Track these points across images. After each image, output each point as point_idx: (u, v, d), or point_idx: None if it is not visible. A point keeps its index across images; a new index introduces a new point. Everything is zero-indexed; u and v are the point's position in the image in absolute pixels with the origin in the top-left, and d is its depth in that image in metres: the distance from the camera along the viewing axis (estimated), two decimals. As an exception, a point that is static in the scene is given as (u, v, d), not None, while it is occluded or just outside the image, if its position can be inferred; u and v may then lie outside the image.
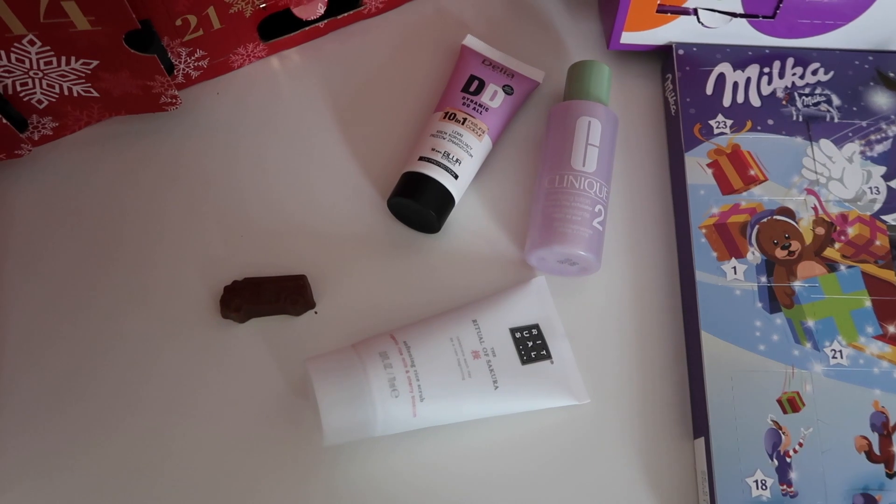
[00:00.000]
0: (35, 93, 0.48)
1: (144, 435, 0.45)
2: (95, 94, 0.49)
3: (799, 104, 0.51)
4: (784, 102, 0.51)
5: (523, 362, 0.44)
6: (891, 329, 0.45)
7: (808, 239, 0.47)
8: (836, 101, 0.51)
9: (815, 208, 0.48)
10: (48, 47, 0.44)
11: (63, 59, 0.45)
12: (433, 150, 0.48)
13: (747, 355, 0.44)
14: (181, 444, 0.44)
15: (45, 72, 0.46)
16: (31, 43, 0.43)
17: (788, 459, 0.42)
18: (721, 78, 0.51)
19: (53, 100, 0.49)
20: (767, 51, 0.52)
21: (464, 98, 0.50)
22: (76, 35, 0.43)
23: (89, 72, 0.47)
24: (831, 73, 0.52)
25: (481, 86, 0.51)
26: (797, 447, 0.42)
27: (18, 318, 0.47)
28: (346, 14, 0.55)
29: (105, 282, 0.48)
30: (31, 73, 0.46)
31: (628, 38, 0.52)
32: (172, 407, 0.45)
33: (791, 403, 0.43)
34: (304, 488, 0.44)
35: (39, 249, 0.49)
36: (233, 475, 0.44)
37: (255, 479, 0.44)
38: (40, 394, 0.45)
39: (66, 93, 0.48)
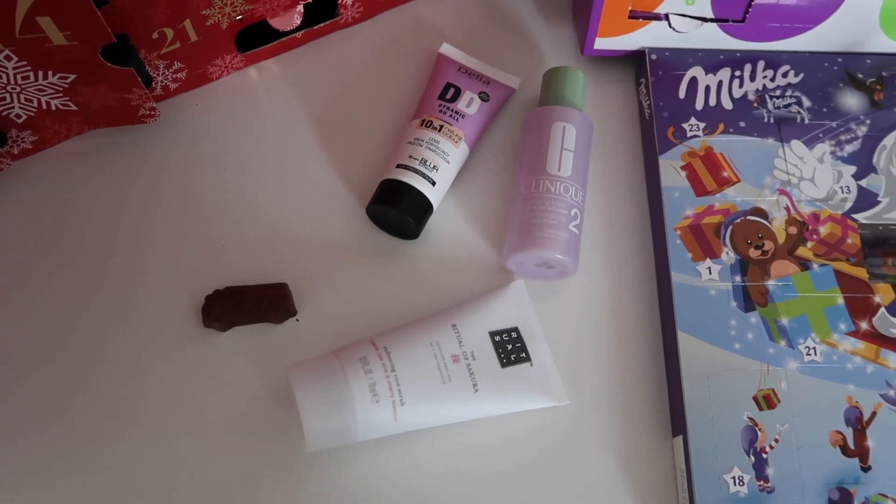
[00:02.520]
0: (13, 107, 0.48)
1: (129, 447, 0.45)
2: (74, 108, 0.49)
3: (770, 106, 0.51)
4: (755, 105, 0.52)
5: (503, 365, 0.45)
6: (863, 325, 0.46)
7: (781, 238, 0.48)
8: (806, 102, 0.52)
9: (787, 208, 0.49)
10: (25, 62, 0.44)
11: (40, 73, 0.46)
12: (411, 157, 0.49)
13: (723, 354, 0.45)
14: (166, 454, 0.45)
15: (22, 86, 0.46)
16: (8, 58, 0.44)
17: (765, 456, 0.43)
18: (693, 81, 0.52)
19: (32, 114, 0.49)
20: (738, 54, 0.53)
21: (440, 105, 0.51)
22: (53, 50, 0.44)
23: (67, 86, 0.47)
24: (801, 76, 0.52)
25: (457, 93, 0.52)
26: (773, 443, 0.43)
27: (1, 336, 0.47)
28: (322, 24, 0.55)
29: (87, 294, 0.48)
30: (8, 87, 0.46)
31: (602, 43, 0.53)
32: (155, 418, 0.45)
33: (766, 400, 0.44)
34: (292, 494, 0.44)
35: (20, 263, 0.49)
36: (219, 484, 0.44)
37: (242, 486, 0.44)
38: (23, 411, 0.46)
39: (44, 107, 0.49)
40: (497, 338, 0.46)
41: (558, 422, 0.46)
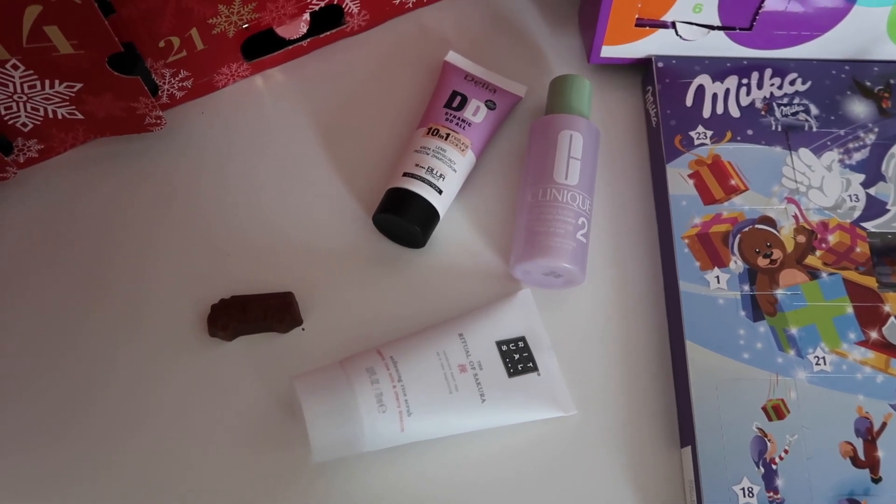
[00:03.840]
0: (20, 116, 0.48)
1: (134, 456, 0.45)
2: (80, 117, 0.49)
3: (777, 114, 0.51)
4: (763, 113, 0.51)
5: (510, 375, 0.45)
6: (873, 335, 0.45)
7: (790, 247, 0.48)
8: (814, 110, 0.51)
9: (795, 217, 0.48)
10: (31, 71, 0.44)
11: (47, 82, 0.46)
12: (417, 165, 0.49)
13: (732, 364, 0.45)
14: (171, 464, 0.44)
15: (29, 95, 0.46)
16: (15, 67, 0.44)
17: (774, 466, 0.42)
18: (700, 89, 0.52)
19: (38, 122, 0.49)
20: (745, 62, 0.53)
21: (446, 114, 0.51)
22: (59, 59, 0.44)
23: (73, 94, 0.47)
24: (809, 83, 0.52)
25: (464, 101, 0.51)
26: (783, 454, 0.43)
27: (6, 344, 0.47)
28: (328, 32, 0.55)
29: (92, 303, 0.48)
30: (15, 96, 0.46)
31: (608, 51, 0.53)
32: (161, 428, 0.45)
33: (776, 411, 0.44)
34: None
35: (26, 271, 0.49)
36: (225, 494, 0.44)
37: (248, 496, 0.44)
38: (28, 420, 0.45)
39: (50, 115, 0.49)
40: (504, 347, 0.45)
41: (565, 431, 0.46)
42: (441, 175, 0.49)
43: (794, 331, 0.45)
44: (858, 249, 0.48)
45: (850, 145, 0.50)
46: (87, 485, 0.44)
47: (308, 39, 0.55)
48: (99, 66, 0.45)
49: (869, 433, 0.43)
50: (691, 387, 0.44)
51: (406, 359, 0.43)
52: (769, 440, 0.43)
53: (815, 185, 0.49)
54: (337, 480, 0.44)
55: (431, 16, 0.58)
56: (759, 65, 0.53)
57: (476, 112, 0.51)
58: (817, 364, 0.45)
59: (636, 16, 0.50)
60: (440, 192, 0.48)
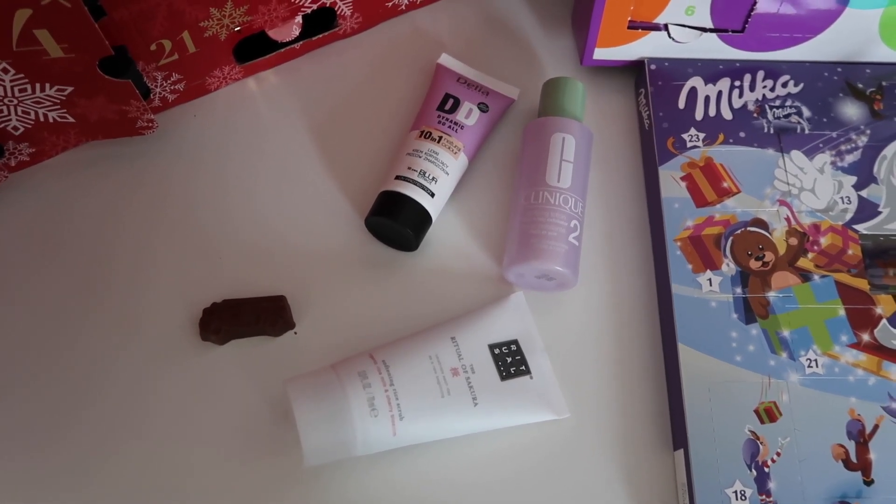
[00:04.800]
0: (10, 119, 0.48)
1: (126, 461, 0.44)
2: (71, 120, 0.49)
3: (770, 116, 0.51)
4: (755, 115, 0.51)
5: (503, 378, 0.45)
6: (865, 337, 0.45)
7: (782, 249, 0.48)
8: (806, 112, 0.51)
9: (787, 219, 0.48)
10: (22, 75, 0.44)
11: (38, 86, 0.45)
12: (409, 168, 0.49)
13: (724, 366, 0.45)
14: (163, 468, 0.44)
15: (20, 99, 0.46)
16: (5, 71, 0.43)
17: (767, 469, 0.42)
18: (693, 92, 0.52)
19: (29, 126, 0.49)
20: (738, 64, 0.53)
21: (439, 116, 0.51)
22: (50, 62, 0.44)
23: (64, 98, 0.47)
24: (801, 86, 0.52)
25: (456, 104, 0.51)
26: (775, 457, 0.43)
27: (-3, 346, 0.47)
28: (321, 35, 0.55)
29: (85, 307, 0.48)
30: (5, 100, 0.46)
31: (601, 53, 0.53)
32: (153, 432, 0.45)
33: (768, 413, 0.44)
34: (287, 510, 0.44)
35: (18, 276, 0.49)
36: (217, 498, 0.44)
37: (241, 501, 0.44)
38: (23, 420, 0.45)
39: (42, 119, 0.48)
40: (496, 350, 0.45)
41: (558, 435, 0.46)
42: (433, 178, 0.48)
43: (786, 333, 0.45)
44: (850, 252, 0.48)
45: (843, 147, 0.50)
46: (77, 490, 0.44)
47: (301, 42, 0.55)
48: (90, 70, 0.45)
49: (861, 436, 0.43)
50: (684, 389, 0.44)
51: (398, 363, 0.43)
52: (761, 443, 0.43)
53: (808, 188, 0.49)
54: (332, 483, 0.44)
55: (425, 18, 0.58)
56: (751, 67, 0.53)
57: (469, 115, 0.51)
58: (809, 366, 0.45)
59: (629, 18, 0.50)
60: (432, 195, 0.48)
